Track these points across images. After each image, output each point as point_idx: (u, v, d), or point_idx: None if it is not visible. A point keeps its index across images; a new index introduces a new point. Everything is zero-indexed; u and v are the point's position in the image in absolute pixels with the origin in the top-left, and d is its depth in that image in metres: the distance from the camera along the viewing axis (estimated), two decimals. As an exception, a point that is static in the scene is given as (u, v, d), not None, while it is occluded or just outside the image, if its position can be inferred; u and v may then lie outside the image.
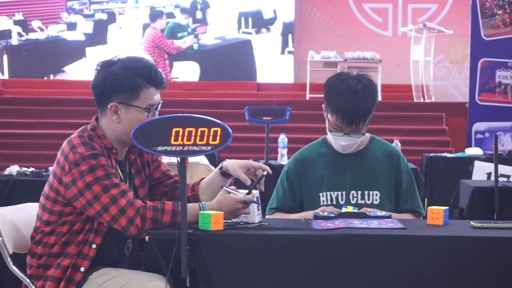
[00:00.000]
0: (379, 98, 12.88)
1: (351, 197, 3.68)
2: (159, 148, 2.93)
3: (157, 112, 3.28)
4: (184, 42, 14.89)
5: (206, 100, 13.10)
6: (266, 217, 3.69)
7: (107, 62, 3.27)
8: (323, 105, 3.74)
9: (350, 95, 3.60)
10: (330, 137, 3.75)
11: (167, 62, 14.78)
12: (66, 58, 14.98)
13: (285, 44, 15.08)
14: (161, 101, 3.30)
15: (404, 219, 3.50)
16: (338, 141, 3.69)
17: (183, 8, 15.03)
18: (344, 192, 3.69)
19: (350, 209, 3.47)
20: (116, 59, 3.27)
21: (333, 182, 3.69)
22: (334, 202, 3.67)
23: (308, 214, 3.53)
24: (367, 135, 3.82)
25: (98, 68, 3.27)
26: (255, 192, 3.21)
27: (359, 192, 3.69)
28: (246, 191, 3.17)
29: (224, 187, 3.24)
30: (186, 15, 15.05)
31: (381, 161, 3.76)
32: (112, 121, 3.24)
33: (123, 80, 3.20)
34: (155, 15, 15.02)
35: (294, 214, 3.69)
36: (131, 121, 3.20)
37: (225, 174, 3.41)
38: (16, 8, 15.14)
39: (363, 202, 3.67)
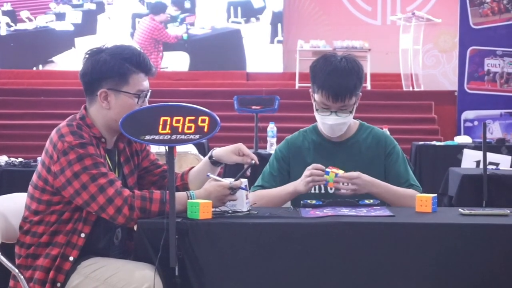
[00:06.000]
0: (368, 87, 12.90)
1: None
2: (147, 137, 2.94)
3: (146, 100, 3.28)
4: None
5: (196, 89, 13.06)
6: (249, 194, 3.68)
7: (95, 50, 3.29)
8: (310, 90, 3.72)
9: (335, 71, 3.60)
10: (317, 118, 3.70)
11: (160, 54, 14.73)
12: (55, 49, 14.89)
13: (274, 34, 15.04)
14: (150, 90, 3.30)
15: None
16: (326, 121, 3.65)
17: (173, 0, 14.98)
18: (334, 181, 3.66)
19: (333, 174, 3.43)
20: (104, 47, 3.28)
21: (323, 170, 3.66)
22: (323, 191, 3.64)
23: (288, 186, 3.56)
24: (356, 121, 3.80)
25: (86, 56, 3.28)
26: (243, 180, 3.21)
27: (350, 180, 3.65)
28: (233, 179, 3.17)
29: (210, 175, 3.25)
30: (176, 7, 15.00)
31: (370, 148, 3.74)
32: (102, 108, 3.24)
33: (112, 66, 3.20)
34: (158, 8, 14.93)
35: (275, 188, 3.67)
36: (121, 107, 3.20)
37: (215, 162, 3.42)
38: (4, -2, 15.07)
39: None
